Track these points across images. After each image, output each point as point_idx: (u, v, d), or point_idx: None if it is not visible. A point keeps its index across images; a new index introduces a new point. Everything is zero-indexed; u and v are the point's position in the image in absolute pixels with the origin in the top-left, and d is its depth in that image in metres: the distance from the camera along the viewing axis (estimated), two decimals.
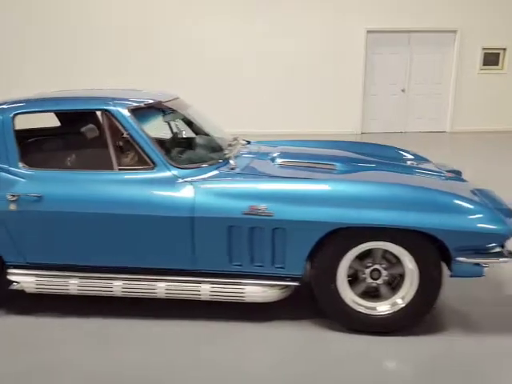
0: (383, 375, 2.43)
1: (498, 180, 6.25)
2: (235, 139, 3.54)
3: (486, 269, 2.61)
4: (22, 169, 2.81)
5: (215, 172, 2.86)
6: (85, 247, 2.77)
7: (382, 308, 2.68)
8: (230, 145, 3.29)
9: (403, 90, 10.73)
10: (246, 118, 10.38)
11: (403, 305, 2.65)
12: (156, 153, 2.76)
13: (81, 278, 2.83)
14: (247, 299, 2.74)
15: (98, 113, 3.17)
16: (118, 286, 2.80)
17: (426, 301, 2.65)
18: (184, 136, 3.47)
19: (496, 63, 10.72)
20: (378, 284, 2.71)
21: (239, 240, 2.63)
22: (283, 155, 3.22)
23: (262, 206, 2.57)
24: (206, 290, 2.75)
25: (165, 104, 3.32)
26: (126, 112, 2.80)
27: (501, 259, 2.60)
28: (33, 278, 2.85)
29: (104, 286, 2.81)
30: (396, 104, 10.81)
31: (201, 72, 10.32)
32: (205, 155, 3.07)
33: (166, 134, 3.41)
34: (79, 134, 2.94)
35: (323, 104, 10.54)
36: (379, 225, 2.52)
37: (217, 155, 3.07)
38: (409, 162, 3.59)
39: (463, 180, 3.30)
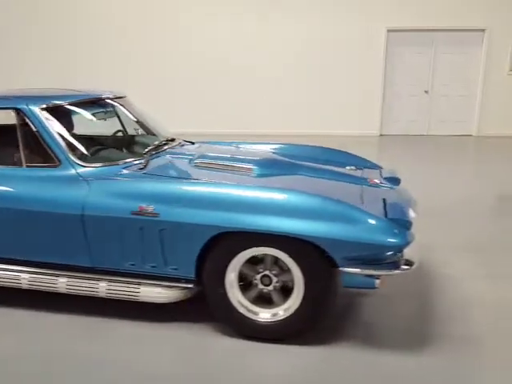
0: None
1: None
2: (170, 139, 3.57)
3: (378, 281, 2.50)
4: None
5: (122, 171, 2.89)
6: None
7: (264, 315, 2.62)
8: (157, 145, 3.31)
9: (426, 92, 10.34)
10: (261, 118, 10.38)
11: (284, 316, 2.59)
12: (62, 151, 2.83)
13: None
14: (142, 299, 2.75)
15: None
16: (24, 279, 2.89)
17: (311, 312, 2.56)
18: (109, 134, 3.52)
19: None
20: (270, 290, 2.64)
21: (130, 240, 2.65)
22: (204, 156, 3.21)
23: (150, 206, 2.58)
24: (103, 287, 2.79)
25: (97, 102, 3.40)
26: (36, 110, 2.88)
27: (395, 271, 2.48)
28: None
29: (12, 278, 2.91)
30: (418, 106, 10.44)
31: (206, 73, 10.38)
32: (120, 154, 3.11)
33: (92, 132, 3.47)
34: None
35: (341, 105, 10.34)
36: (258, 230, 2.46)
37: (133, 154, 3.10)
38: (347, 168, 3.48)
39: (392, 188, 3.17)
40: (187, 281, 2.70)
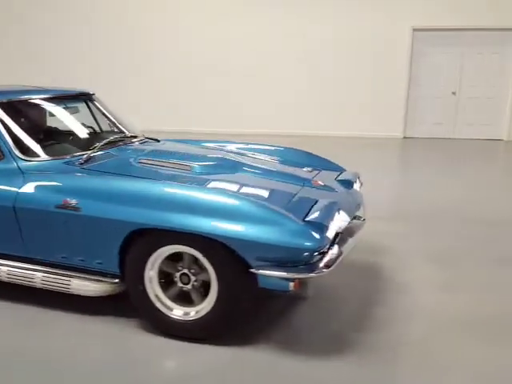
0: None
1: None
2: (131, 136, 3.64)
3: (292, 284, 2.41)
4: None
5: (62, 166, 2.96)
6: None
7: (177, 312, 2.62)
8: (110, 140, 3.37)
9: (454, 93, 9.95)
10: (283, 118, 10.34)
11: (197, 316, 2.58)
12: (5, 145, 2.93)
13: None
14: (73, 291, 2.80)
15: None
16: None
17: (225, 313, 2.53)
18: (65, 129, 3.60)
19: None
20: (189, 289, 2.64)
21: (58, 233, 2.72)
22: (150, 154, 3.25)
23: (74, 200, 2.63)
24: (38, 278, 2.87)
25: (61, 99, 3.55)
26: None
27: (309, 274, 2.41)
28: None
29: None
30: (445, 108, 10.06)
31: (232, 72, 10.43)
32: (68, 148, 3.18)
33: (47, 127, 3.57)
34: None
35: (363, 106, 10.13)
36: (172, 228, 2.46)
37: (84, 149, 3.16)
38: (305, 169, 3.43)
39: (333, 190, 3.08)
40: (113, 275, 2.74)
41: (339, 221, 2.68)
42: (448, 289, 3.30)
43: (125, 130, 3.80)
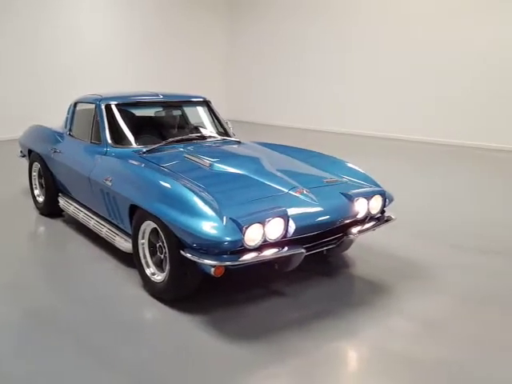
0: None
1: None
2: (208, 136, 4.49)
3: (212, 269, 2.86)
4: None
5: (130, 153, 3.96)
6: None
7: (148, 271, 3.40)
8: (182, 138, 4.28)
9: None
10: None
11: (155, 279, 3.31)
12: (104, 134, 4.15)
13: None
14: (115, 245, 3.82)
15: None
16: (79, 215, 4.42)
17: (171, 283, 3.17)
18: (158, 126, 4.59)
19: None
20: (162, 258, 3.31)
21: (105, 199, 3.80)
22: (198, 151, 4.00)
23: (110, 177, 3.66)
24: (104, 229, 4.02)
25: (165, 103, 4.67)
26: (102, 106, 4.27)
27: (226, 262, 2.84)
28: None
29: (75, 211, 4.50)
30: None
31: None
32: (149, 141, 4.15)
33: (142, 124, 4.58)
34: None
35: None
36: (142, 207, 3.26)
37: (159, 143, 4.12)
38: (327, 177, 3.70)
39: (310, 201, 3.27)
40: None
41: (280, 226, 2.91)
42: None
43: (223, 132, 4.67)
